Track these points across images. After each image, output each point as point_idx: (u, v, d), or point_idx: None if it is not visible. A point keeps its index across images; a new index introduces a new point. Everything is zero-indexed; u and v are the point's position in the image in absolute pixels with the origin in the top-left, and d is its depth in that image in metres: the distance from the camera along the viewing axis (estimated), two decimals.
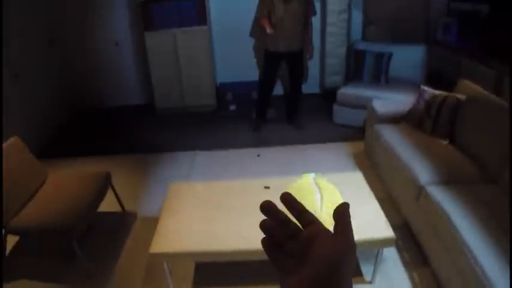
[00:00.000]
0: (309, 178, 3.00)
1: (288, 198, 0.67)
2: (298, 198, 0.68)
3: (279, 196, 0.67)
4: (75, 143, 5.90)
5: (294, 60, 5.42)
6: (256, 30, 6.27)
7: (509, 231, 2.46)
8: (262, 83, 5.74)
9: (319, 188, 2.88)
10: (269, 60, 5.45)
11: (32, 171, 3.61)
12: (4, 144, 3.43)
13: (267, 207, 0.66)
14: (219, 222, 3.00)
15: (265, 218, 0.67)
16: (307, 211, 0.66)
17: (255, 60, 6.64)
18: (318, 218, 0.65)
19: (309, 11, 5.23)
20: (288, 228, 0.65)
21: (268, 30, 5.04)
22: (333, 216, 0.64)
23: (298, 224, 0.66)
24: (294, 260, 0.63)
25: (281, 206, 0.68)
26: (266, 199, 0.67)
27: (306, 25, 5.29)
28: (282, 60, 5.43)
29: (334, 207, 0.64)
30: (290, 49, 5.24)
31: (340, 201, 2.85)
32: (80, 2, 6.30)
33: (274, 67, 5.48)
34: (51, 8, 6.15)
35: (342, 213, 0.64)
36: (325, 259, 0.60)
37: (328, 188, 2.88)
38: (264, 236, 0.66)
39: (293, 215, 0.67)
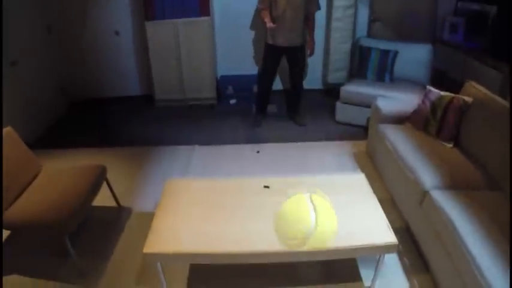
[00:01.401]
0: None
1: None
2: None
3: None
4: (71, 133, 5.82)
5: (294, 55, 5.34)
6: (257, 22, 6.17)
7: (509, 232, 2.42)
8: (261, 76, 5.65)
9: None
10: (269, 54, 5.37)
11: (25, 164, 3.52)
12: None
13: None
14: (216, 222, 2.90)
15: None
16: None
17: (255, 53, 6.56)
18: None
19: (312, 4, 5.14)
20: None
21: (268, 24, 4.97)
22: None
23: None
24: None
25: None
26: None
27: (308, 20, 5.21)
28: (282, 54, 5.35)
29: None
30: (291, 43, 5.17)
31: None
32: None
33: (274, 61, 5.40)
34: None
35: None
36: None
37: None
38: None
39: None
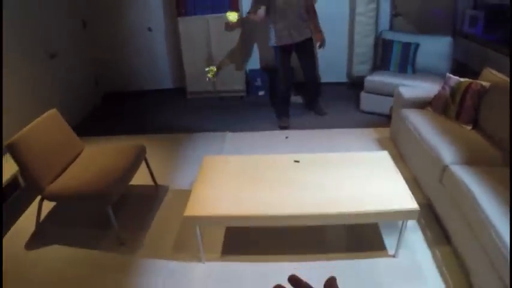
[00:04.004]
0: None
1: (294, 278, 0.76)
2: None
3: (287, 278, 0.76)
4: (107, 122, 6.14)
5: (303, 49, 5.37)
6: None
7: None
8: (280, 78, 5.59)
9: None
10: (281, 55, 5.36)
11: (68, 142, 3.79)
12: (42, 116, 3.64)
13: (292, 279, 0.76)
14: (250, 190, 3.14)
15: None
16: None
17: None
18: None
19: None
20: None
21: (258, 18, 5.09)
22: None
23: None
24: None
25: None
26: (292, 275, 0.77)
27: (311, 12, 5.23)
28: (292, 51, 5.37)
29: None
30: (298, 39, 5.20)
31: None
32: None
33: (287, 59, 5.40)
34: None
35: (330, 286, 0.76)
36: None
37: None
38: None
39: None
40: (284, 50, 5.31)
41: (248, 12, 5.34)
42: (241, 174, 3.38)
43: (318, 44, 5.43)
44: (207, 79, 5.80)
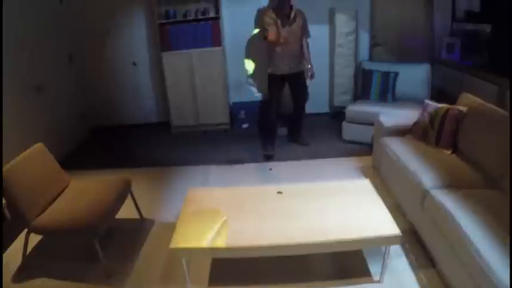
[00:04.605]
0: None
1: None
2: None
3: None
4: (92, 156, 6.15)
5: (297, 80, 5.57)
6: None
7: (509, 231, 2.52)
8: (268, 106, 5.75)
9: None
10: (273, 83, 5.55)
11: (54, 176, 3.80)
12: (29, 150, 3.66)
13: None
14: (234, 222, 3.17)
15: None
16: None
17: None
18: None
19: (306, 33, 5.44)
20: None
21: (281, 38, 5.18)
22: None
23: None
24: None
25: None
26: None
27: (304, 46, 5.49)
28: (285, 82, 5.56)
29: None
30: (293, 70, 5.42)
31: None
32: (99, 22, 6.63)
33: (278, 89, 5.60)
34: (72, 26, 6.49)
35: None
36: None
37: None
38: None
39: None
40: (279, 80, 5.48)
41: (266, 35, 5.34)
42: (226, 206, 3.41)
43: (310, 75, 5.60)
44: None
